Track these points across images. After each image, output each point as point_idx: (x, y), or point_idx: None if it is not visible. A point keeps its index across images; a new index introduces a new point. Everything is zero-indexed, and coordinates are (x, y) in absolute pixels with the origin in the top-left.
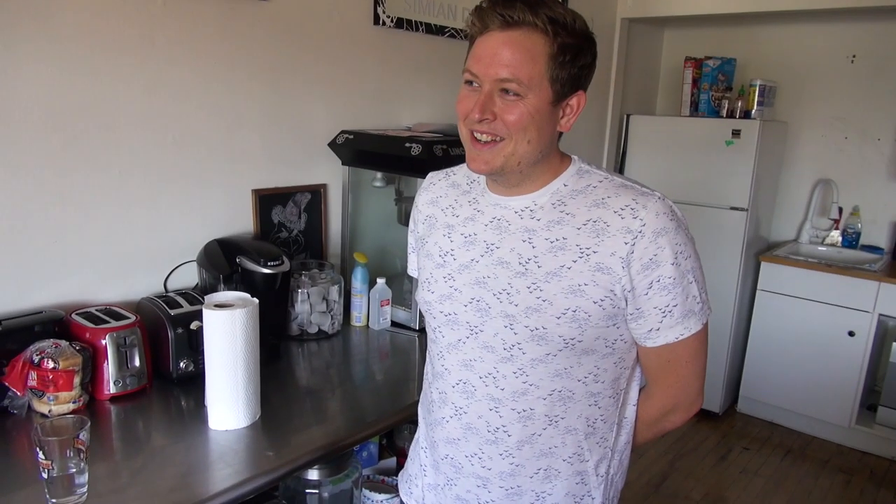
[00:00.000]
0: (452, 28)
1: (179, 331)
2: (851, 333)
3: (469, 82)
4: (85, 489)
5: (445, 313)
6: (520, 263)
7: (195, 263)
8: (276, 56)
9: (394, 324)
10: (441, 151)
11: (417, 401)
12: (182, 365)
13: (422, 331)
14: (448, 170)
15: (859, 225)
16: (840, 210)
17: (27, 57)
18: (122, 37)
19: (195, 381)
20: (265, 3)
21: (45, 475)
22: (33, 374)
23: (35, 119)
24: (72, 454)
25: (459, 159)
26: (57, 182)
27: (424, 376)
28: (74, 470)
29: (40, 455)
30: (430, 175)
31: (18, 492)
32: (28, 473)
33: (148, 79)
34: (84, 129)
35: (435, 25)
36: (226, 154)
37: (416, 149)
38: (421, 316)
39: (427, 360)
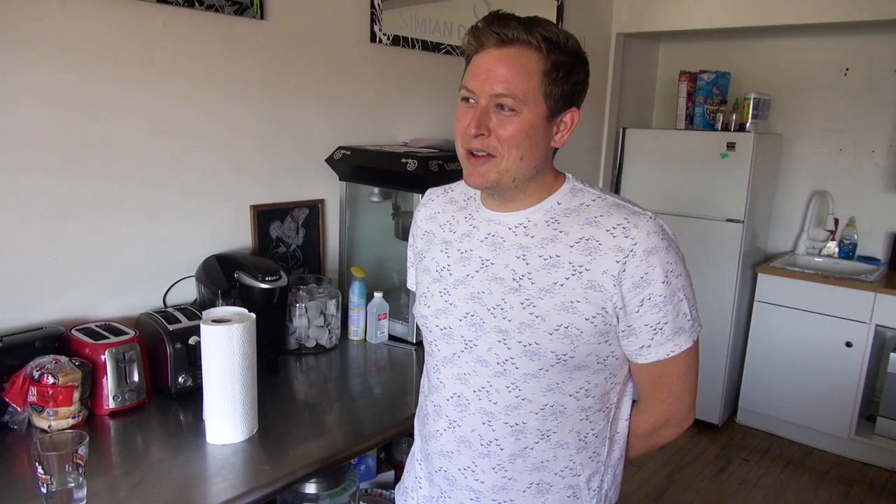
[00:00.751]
0: (448, 45)
1: (178, 346)
2: (849, 344)
3: (466, 99)
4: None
5: (441, 327)
6: (514, 279)
7: (194, 279)
8: (273, 74)
9: (391, 337)
10: (437, 167)
11: (414, 413)
12: (180, 380)
13: (419, 344)
14: (447, 186)
15: (855, 236)
16: (836, 221)
17: (27, 75)
18: (123, 56)
19: (193, 396)
20: (263, 22)
21: (44, 490)
22: (33, 390)
23: (35, 136)
24: (70, 469)
25: (455, 174)
26: (57, 199)
27: (421, 389)
28: (73, 485)
29: (39, 470)
30: (429, 191)
31: None
32: (28, 488)
33: (147, 97)
34: (84, 146)
35: (431, 42)
36: (224, 170)
37: (412, 164)
38: (418, 329)
39: (423, 373)
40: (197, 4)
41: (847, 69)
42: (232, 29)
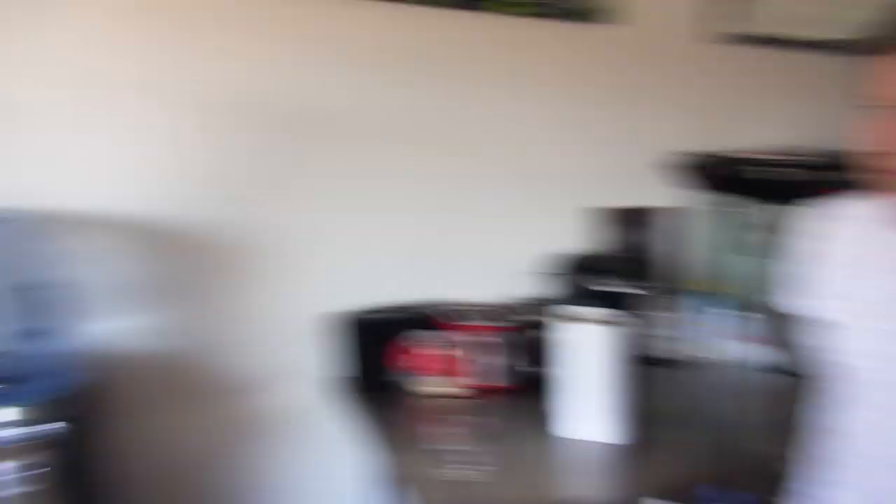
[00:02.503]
0: (820, 40)
1: (537, 337)
2: None
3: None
4: (476, 465)
5: (862, 367)
6: None
7: (546, 275)
8: (624, 78)
9: (759, 362)
10: (818, 178)
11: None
12: (531, 370)
13: (797, 375)
14: (842, 202)
15: None
16: None
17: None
18: (490, 68)
19: (543, 388)
20: (611, 26)
21: (438, 448)
22: (410, 358)
23: (422, 157)
24: (459, 433)
25: (843, 188)
26: (434, 204)
27: (821, 428)
28: (461, 448)
29: (437, 430)
30: (822, 206)
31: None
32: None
33: (508, 107)
34: (453, 156)
35: (802, 40)
36: (574, 177)
37: (793, 174)
38: (801, 359)
39: (825, 411)
40: (547, 16)
41: None
42: (580, 34)
